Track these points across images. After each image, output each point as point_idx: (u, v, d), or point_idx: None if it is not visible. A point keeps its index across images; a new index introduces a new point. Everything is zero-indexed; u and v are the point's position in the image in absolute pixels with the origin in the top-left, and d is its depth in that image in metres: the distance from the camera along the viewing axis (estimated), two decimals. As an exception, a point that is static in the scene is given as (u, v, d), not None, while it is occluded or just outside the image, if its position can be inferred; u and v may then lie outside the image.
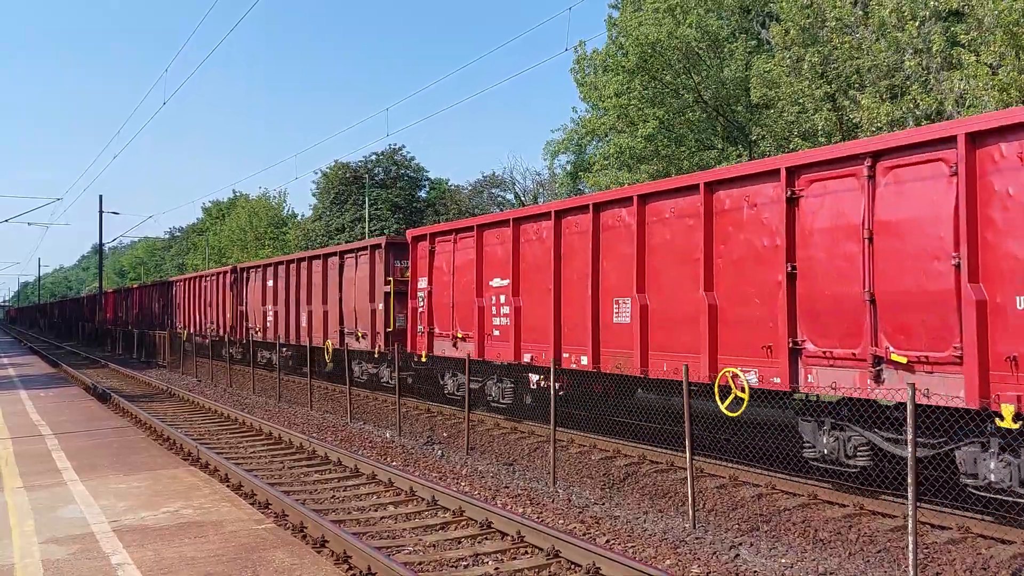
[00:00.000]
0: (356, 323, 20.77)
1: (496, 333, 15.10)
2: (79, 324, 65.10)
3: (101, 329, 54.83)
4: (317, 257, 23.72)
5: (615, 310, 12.29)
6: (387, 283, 19.20)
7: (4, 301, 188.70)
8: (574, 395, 14.44)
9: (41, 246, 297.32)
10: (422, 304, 17.55)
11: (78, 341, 61.34)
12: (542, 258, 13.97)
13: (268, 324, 26.95)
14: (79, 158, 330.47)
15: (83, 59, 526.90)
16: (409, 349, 17.98)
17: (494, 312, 15.18)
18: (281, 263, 26.31)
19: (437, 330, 16.95)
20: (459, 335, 16.14)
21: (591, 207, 12.84)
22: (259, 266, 28.52)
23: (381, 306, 19.46)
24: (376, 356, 19.86)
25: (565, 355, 13.22)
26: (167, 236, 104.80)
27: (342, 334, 21.48)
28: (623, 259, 12.17)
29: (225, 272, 31.53)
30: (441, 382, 17.65)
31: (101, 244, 61.20)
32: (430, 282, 17.25)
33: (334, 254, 22.57)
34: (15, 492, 9.64)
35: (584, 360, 12.73)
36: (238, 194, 75.27)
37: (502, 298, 14.97)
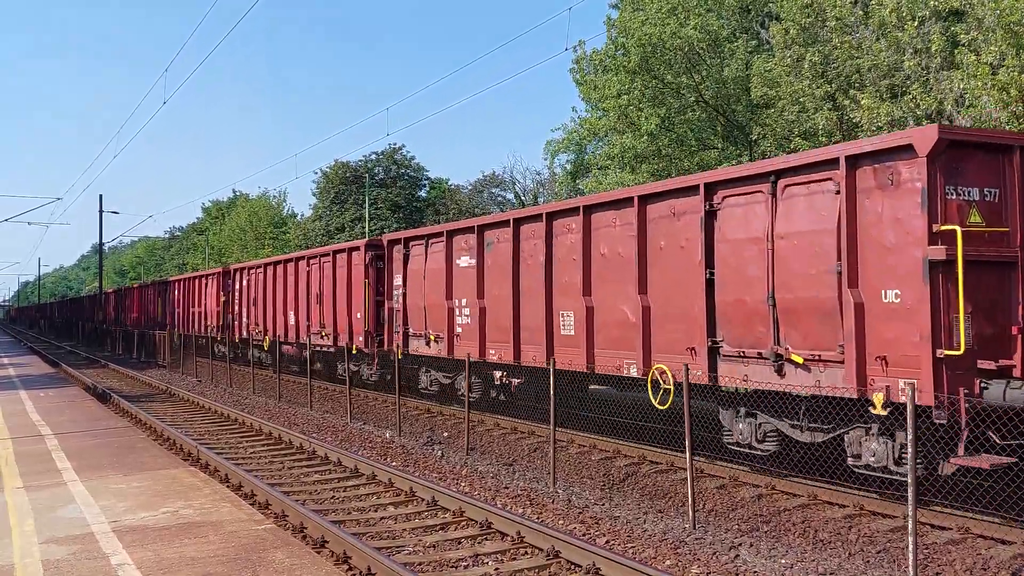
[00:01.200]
0: (788, 327, 9.71)
1: None
2: (79, 324, 65.15)
3: (101, 329, 54.85)
4: (613, 204, 12.49)
5: None
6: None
7: (4, 301, 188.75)
8: None
9: (41, 246, 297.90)
10: None
11: (78, 341, 61.41)
12: None
13: (459, 331, 16.51)
14: (79, 158, 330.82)
15: (83, 59, 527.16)
16: None
17: None
18: (493, 225, 15.70)
19: None
20: None
21: None
22: (432, 235, 17.83)
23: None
24: (883, 415, 8.49)
25: None
26: (167, 236, 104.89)
27: (713, 352, 10.71)
28: None
29: (356, 248, 21.16)
30: None
31: (101, 244, 61.31)
32: None
33: (685, 190, 11.16)
34: (15, 492, 9.64)
35: None
36: (238, 194, 75.38)
37: None
